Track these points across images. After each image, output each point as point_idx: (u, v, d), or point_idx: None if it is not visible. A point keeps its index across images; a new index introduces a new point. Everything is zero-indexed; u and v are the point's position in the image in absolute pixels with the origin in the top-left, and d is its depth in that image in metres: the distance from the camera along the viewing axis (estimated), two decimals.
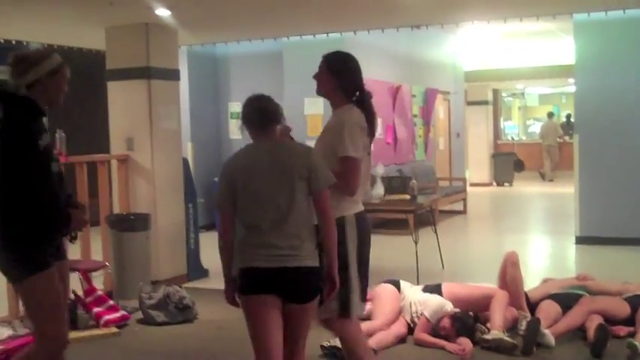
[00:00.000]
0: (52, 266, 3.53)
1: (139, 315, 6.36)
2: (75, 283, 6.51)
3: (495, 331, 5.21)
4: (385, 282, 5.92)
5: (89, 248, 7.19)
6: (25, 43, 9.76)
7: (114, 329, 6.02)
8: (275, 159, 3.48)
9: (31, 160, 3.43)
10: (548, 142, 19.78)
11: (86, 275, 6.34)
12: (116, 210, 7.71)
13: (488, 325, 5.41)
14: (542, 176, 19.79)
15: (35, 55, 3.72)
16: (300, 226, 3.42)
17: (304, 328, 3.53)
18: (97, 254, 7.34)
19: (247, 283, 3.42)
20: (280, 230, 3.39)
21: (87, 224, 3.74)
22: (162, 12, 7.29)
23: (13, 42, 9.01)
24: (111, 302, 6.36)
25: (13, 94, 3.55)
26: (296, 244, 3.39)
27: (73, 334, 5.75)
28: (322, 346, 5.16)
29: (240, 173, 3.47)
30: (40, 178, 3.45)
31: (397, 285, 5.85)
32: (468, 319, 5.41)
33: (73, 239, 3.74)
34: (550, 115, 20.91)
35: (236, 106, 11.34)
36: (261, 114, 3.54)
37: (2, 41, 8.80)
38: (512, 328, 5.44)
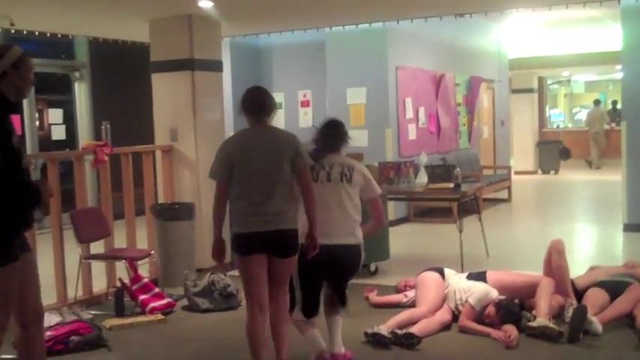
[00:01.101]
0: (18, 259, 3.55)
1: (185, 302, 6.45)
2: (121, 271, 6.64)
3: (541, 319, 5.16)
4: (429, 270, 5.91)
5: (135, 237, 7.31)
6: (70, 37, 9.91)
7: (160, 316, 6.10)
8: (268, 142, 4.25)
9: (5, 156, 3.45)
10: (594, 130, 19.47)
11: (132, 263, 6.43)
12: (161, 200, 7.80)
13: (533, 312, 5.36)
14: (589, 164, 19.49)
15: None
16: (284, 197, 4.20)
17: (286, 275, 4.39)
18: (142, 243, 7.44)
19: (243, 245, 4.20)
20: (270, 200, 4.15)
21: (52, 194, 3.88)
22: (205, 3, 7.34)
23: (59, 35, 9.16)
24: (157, 290, 6.44)
25: None
26: (281, 211, 4.18)
27: (119, 321, 5.92)
28: (366, 333, 5.17)
29: (239, 152, 4.21)
30: (12, 174, 3.46)
31: (441, 273, 5.83)
32: (513, 306, 5.36)
33: (43, 214, 3.75)
34: (597, 102, 20.57)
35: (279, 97, 11.32)
36: (261, 106, 4.29)
37: (48, 35, 8.95)
38: (558, 315, 5.38)
